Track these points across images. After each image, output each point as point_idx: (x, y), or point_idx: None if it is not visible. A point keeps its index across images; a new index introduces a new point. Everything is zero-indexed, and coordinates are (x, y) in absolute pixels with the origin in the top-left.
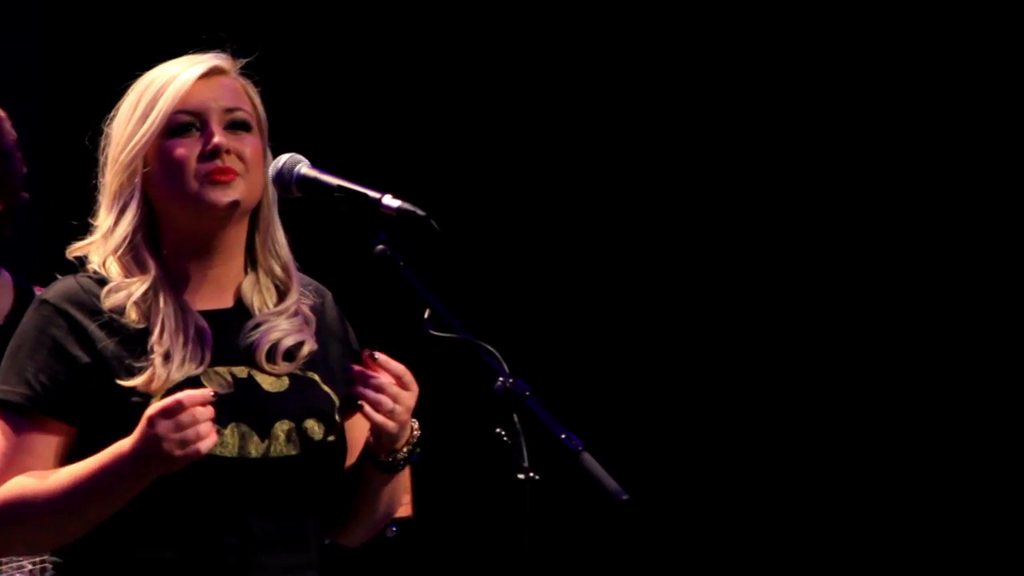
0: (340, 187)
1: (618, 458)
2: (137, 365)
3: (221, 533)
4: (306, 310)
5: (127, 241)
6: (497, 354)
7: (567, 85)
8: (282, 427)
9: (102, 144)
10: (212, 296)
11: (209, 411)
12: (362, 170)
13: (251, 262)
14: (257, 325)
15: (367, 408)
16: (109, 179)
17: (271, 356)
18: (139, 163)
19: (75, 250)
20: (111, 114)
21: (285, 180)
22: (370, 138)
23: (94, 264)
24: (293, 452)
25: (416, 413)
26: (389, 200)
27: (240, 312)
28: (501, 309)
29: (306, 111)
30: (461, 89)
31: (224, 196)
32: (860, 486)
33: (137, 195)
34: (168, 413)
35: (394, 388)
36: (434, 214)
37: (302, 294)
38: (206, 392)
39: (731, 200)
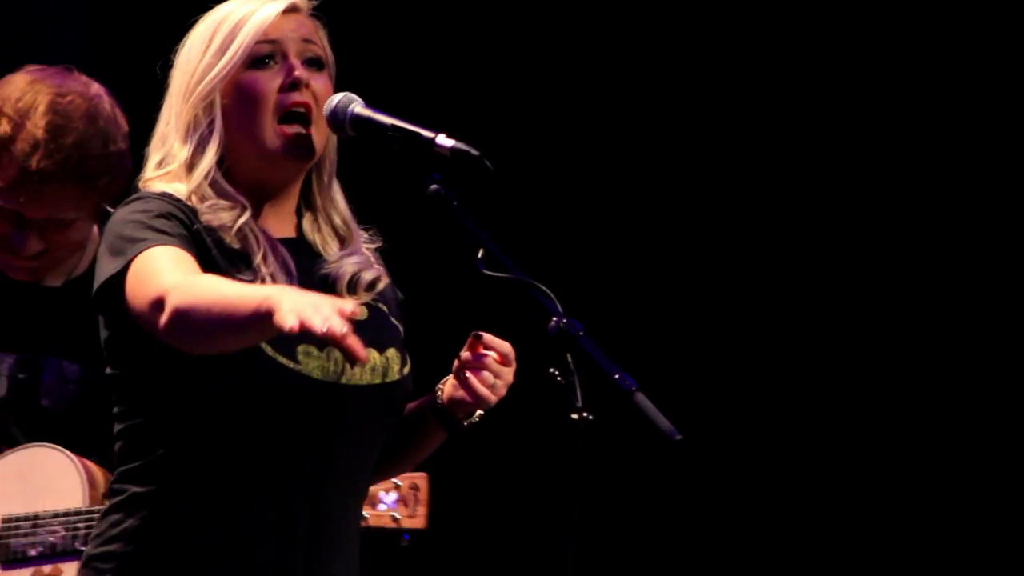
0: (394, 126)
1: (672, 398)
2: (246, 279)
3: (306, 458)
4: (368, 252)
5: (210, 174)
6: (551, 294)
7: (631, 37)
8: (369, 355)
9: (169, 76)
10: (277, 227)
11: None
12: (417, 112)
13: (306, 203)
14: (329, 262)
15: (472, 380)
16: (182, 110)
17: (352, 287)
18: (216, 95)
19: (151, 180)
20: (178, 47)
21: (339, 119)
22: (425, 79)
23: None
24: (376, 381)
25: None
26: (443, 139)
27: (303, 243)
28: (554, 249)
29: (361, 53)
30: (520, 33)
31: (293, 143)
32: (892, 434)
33: (217, 127)
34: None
35: (496, 365)
36: (488, 153)
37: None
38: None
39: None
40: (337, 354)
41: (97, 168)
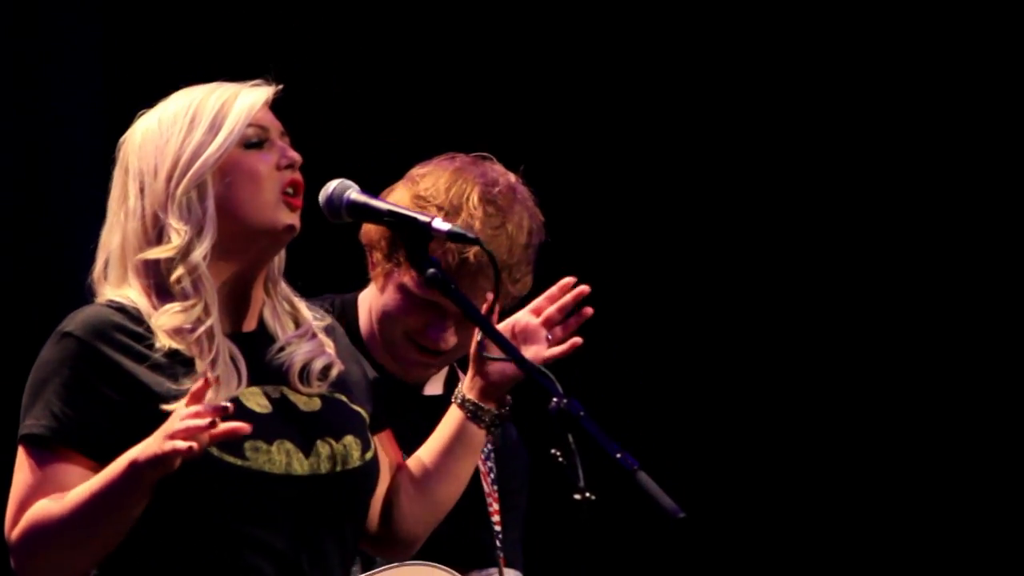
0: (390, 212)
1: (674, 476)
2: (178, 389)
3: (267, 551)
4: (320, 333)
5: (206, 261)
6: (551, 375)
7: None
8: (323, 445)
9: (125, 158)
10: (242, 319)
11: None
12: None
13: (265, 292)
14: (282, 348)
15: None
16: (174, 192)
17: (304, 376)
18: (209, 176)
19: (151, 254)
20: (126, 137)
21: (335, 206)
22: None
23: (129, 295)
24: (337, 469)
25: None
26: (439, 223)
27: (264, 335)
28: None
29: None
30: (500, 96)
31: (293, 220)
32: (905, 500)
33: (212, 213)
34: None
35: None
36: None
37: (313, 317)
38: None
39: (770, 214)
40: (287, 446)
41: (521, 259)
